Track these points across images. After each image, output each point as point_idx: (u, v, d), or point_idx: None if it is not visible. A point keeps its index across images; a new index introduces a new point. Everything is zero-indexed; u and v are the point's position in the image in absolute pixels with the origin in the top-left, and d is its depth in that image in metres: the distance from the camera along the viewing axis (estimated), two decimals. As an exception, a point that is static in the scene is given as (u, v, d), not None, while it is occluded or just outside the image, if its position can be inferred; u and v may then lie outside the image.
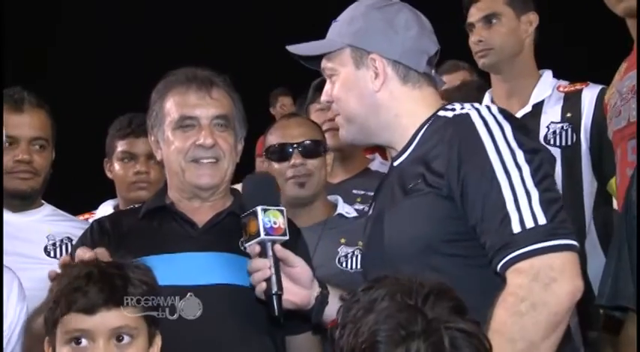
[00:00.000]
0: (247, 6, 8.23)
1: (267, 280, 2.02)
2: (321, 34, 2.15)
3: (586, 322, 2.82)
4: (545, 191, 1.84)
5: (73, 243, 2.57)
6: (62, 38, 8.15)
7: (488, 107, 1.97)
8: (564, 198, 2.01)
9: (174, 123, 2.26)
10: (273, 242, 2.04)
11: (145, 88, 2.39)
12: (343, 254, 2.88)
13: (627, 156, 2.59)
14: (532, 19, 3.21)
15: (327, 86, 2.13)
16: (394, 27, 2.04)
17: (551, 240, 1.79)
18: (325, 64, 2.11)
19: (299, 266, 2.08)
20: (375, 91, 2.04)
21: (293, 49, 2.14)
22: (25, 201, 2.78)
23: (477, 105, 2.00)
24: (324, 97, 2.15)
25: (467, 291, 1.55)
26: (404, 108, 2.05)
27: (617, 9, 2.61)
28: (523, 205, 1.82)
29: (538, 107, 3.15)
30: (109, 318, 1.76)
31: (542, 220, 1.80)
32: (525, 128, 2.00)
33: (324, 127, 3.16)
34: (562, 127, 3.08)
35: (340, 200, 3.01)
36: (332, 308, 2.05)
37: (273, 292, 2.01)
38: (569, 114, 3.09)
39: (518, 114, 3.04)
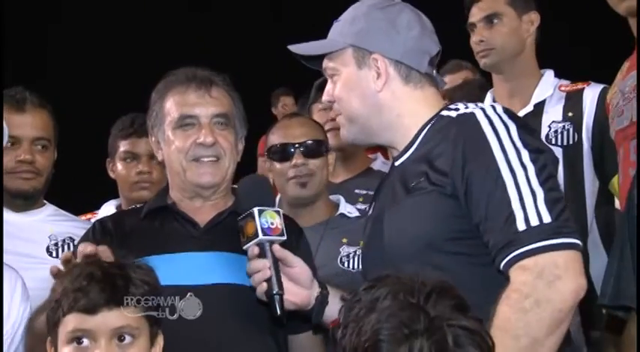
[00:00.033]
0: (248, 6, 8.23)
1: (268, 280, 2.02)
2: (322, 33, 2.15)
3: (588, 322, 2.82)
4: (549, 190, 1.85)
5: (75, 242, 2.57)
6: (62, 38, 8.15)
7: (493, 106, 1.98)
8: (566, 198, 2.02)
9: (175, 122, 2.26)
10: (272, 242, 2.04)
11: (146, 88, 2.39)
12: (345, 254, 2.88)
13: (630, 155, 2.59)
14: (533, 18, 3.21)
15: (329, 86, 2.12)
16: (396, 27, 2.04)
17: (555, 238, 1.80)
18: (327, 63, 2.11)
19: (298, 267, 2.08)
20: (377, 91, 2.04)
21: (295, 48, 2.13)
22: (27, 201, 2.78)
23: (481, 104, 2.01)
24: (325, 97, 2.15)
25: (470, 289, 1.55)
26: (406, 108, 2.05)
27: (619, 8, 2.61)
28: (528, 204, 1.82)
29: (540, 106, 3.15)
30: (110, 318, 1.76)
31: (547, 219, 1.81)
32: (530, 128, 2.01)
33: (327, 127, 3.16)
34: (564, 126, 3.09)
35: (342, 200, 3.01)
36: (332, 309, 2.05)
37: (275, 292, 2.01)
38: (570, 114, 3.09)
39: (520, 114, 3.04)
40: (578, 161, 3.05)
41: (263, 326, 2.15)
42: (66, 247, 2.76)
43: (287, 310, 2.05)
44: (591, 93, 3.09)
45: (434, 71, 2.11)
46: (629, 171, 2.56)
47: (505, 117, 1.93)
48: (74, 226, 2.82)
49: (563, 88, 3.17)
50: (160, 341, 1.87)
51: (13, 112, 2.66)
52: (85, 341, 1.77)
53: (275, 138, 2.97)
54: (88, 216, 3.17)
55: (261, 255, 2.03)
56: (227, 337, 2.13)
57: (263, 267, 2.02)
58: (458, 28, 3.33)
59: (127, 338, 1.78)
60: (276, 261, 2.04)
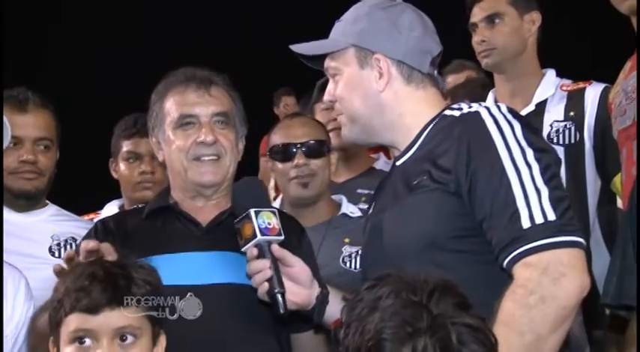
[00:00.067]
0: (250, 6, 8.23)
1: (269, 280, 2.02)
2: (323, 33, 2.15)
3: (591, 321, 2.82)
4: (554, 189, 1.86)
5: (78, 242, 2.57)
6: (62, 38, 8.15)
7: (497, 105, 1.98)
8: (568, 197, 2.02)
9: (175, 122, 2.26)
10: (270, 242, 2.04)
11: (147, 88, 2.40)
12: (347, 254, 2.88)
13: (633, 155, 2.59)
14: (535, 18, 3.21)
15: (330, 85, 2.13)
16: (398, 27, 2.04)
17: (560, 235, 1.80)
18: (329, 63, 2.11)
19: (297, 266, 2.07)
20: (379, 91, 2.05)
21: (296, 48, 2.14)
22: (29, 201, 2.78)
23: (485, 103, 2.02)
24: (326, 97, 2.15)
25: (473, 287, 1.56)
26: (408, 108, 2.05)
27: (621, 7, 2.61)
28: (533, 202, 1.83)
29: (541, 106, 3.16)
30: (112, 318, 1.76)
31: (551, 217, 1.82)
32: (533, 127, 2.02)
33: (329, 127, 3.16)
34: (565, 126, 3.09)
35: (344, 199, 3.01)
36: (332, 309, 2.06)
37: (276, 291, 2.00)
38: (572, 113, 3.10)
39: (522, 114, 3.03)
40: (580, 160, 3.05)
41: (266, 325, 2.15)
42: (68, 247, 2.75)
43: (289, 309, 2.05)
44: (593, 93, 3.09)
45: (435, 71, 2.11)
46: (632, 170, 2.56)
47: (509, 117, 1.94)
48: (76, 226, 2.82)
49: (564, 88, 3.18)
50: (163, 341, 1.87)
51: (15, 112, 2.66)
52: (87, 341, 1.76)
53: (277, 138, 2.97)
54: (91, 216, 3.17)
55: (260, 255, 2.03)
56: (229, 337, 2.13)
57: (263, 267, 2.02)
58: (459, 29, 3.33)
59: (129, 338, 1.78)
60: (276, 261, 2.04)
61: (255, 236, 2.02)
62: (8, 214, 2.70)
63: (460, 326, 1.39)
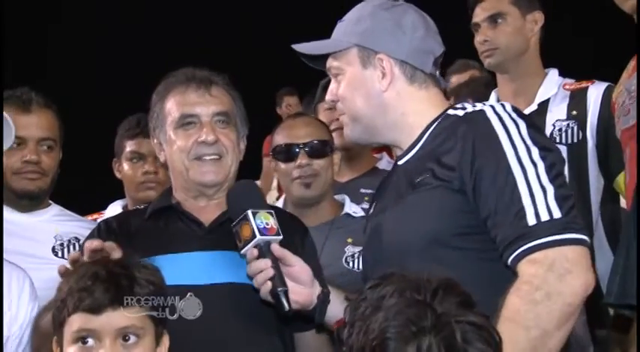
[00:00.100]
0: (252, 6, 8.23)
1: (271, 279, 2.01)
2: (325, 33, 2.15)
3: (595, 320, 2.81)
4: (559, 187, 1.86)
5: (81, 242, 2.57)
6: (62, 38, 8.15)
7: (502, 104, 1.99)
8: (570, 196, 2.02)
9: (176, 122, 2.26)
10: (269, 242, 2.03)
11: (148, 88, 2.40)
12: (350, 253, 2.88)
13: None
14: (537, 17, 3.21)
15: (332, 85, 2.13)
16: (402, 27, 2.05)
17: (565, 233, 1.81)
18: (331, 63, 2.11)
19: (297, 266, 2.07)
20: (382, 91, 2.05)
21: (299, 47, 2.14)
22: (32, 202, 2.79)
23: (490, 103, 2.02)
24: (329, 96, 2.15)
25: (476, 285, 1.56)
26: (411, 108, 2.06)
27: (624, 6, 2.60)
28: (539, 199, 1.83)
29: (544, 105, 3.16)
30: (115, 318, 1.77)
31: (557, 214, 1.82)
32: (538, 127, 2.02)
33: (332, 126, 3.17)
34: (568, 125, 3.09)
35: (347, 199, 3.01)
36: (334, 309, 2.06)
37: (280, 289, 2.00)
38: (574, 112, 3.10)
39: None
40: (583, 159, 3.05)
41: (269, 325, 2.15)
42: (71, 247, 2.76)
43: (293, 308, 2.05)
44: (595, 92, 3.10)
45: (437, 72, 2.12)
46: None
47: (514, 115, 1.94)
48: (80, 226, 2.82)
49: (567, 87, 3.18)
50: (166, 341, 1.87)
51: (19, 113, 2.66)
52: (90, 341, 1.77)
53: (280, 138, 2.97)
54: (95, 216, 3.18)
55: (261, 256, 2.03)
56: (231, 336, 2.12)
57: (265, 266, 2.02)
58: (462, 29, 3.33)
59: (132, 338, 1.78)
60: (276, 260, 2.03)
61: (254, 236, 2.01)
62: (11, 214, 2.71)
63: (465, 324, 1.39)
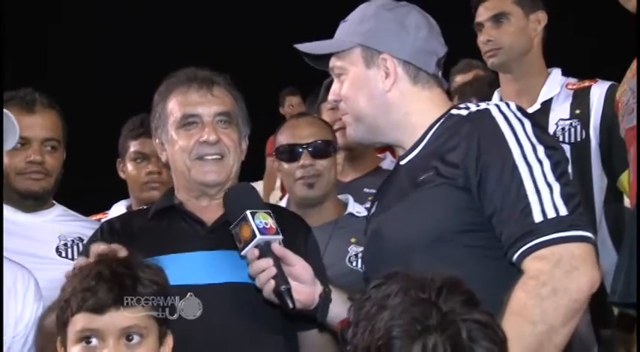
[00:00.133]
0: (255, 6, 8.24)
1: (274, 277, 2.01)
2: (328, 33, 2.15)
3: (599, 320, 2.81)
4: (565, 185, 1.87)
5: (84, 243, 2.58)
6: (62, 38, 8.16)
7: (507, 103, 1.99)
8: (575, 195, 2.02)
9: (177, 122, 2.26)
10: (270, 242, 2.03)
11: (149, 87, 2.40)
12: (353, 253, 2.87)
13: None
14: (541, 17, 3.21)
15: (335, 85, 2.13)
16: (405, 28, 2.05)
17: (572, 230, 1.81)
18: (334, 62, 2.11)
19: (298, 265, 2.07)
20: (386, 91, 2.05)
21: (303, 47, 2.14)
22: (36, 202, 2.79)
23: (495, 102, 2.03)
24: (331, 96, 2.15)
25: (481, 282, 1.57)
26: (414, 107, 2.06)
27: (628, 5, 2.60)
28: (545, 197, 1.84)
29: (547, 105, 3.16)
30: (118, 318, 1.77)
31: (563, 211, 1.83)
32: (542, 126, 2.02)
33: (336, 126, 3.16)
34: (571, 124, 3.09)
35: (351, 199, 3.01)
36: (335, 309, 2.06)
37: (283, 287, 2.00)
38: (578, 111, 3.10)
39: (527, 112, 3.05)
40: (586, 158, 3.05)
41: (272, 324, 2.15)
42: (75, 247, 2.76)
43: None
44: (598, 91, 3.10)
45: (439, 73, 2.12)
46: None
47: (519, 114, 1.95)
48: (83, 226, 2.83)
49: (570, 86, 3.18)
50: (170, 341, 1.87)
51: (23, 113, 2.66)
52: (94, 341, 1.77)
53: (283, 138, 2.97)
54: (99, 216, 3.18)
55: (262, 256, 2.02)
56: (232, 337, 2.12)
57: (267, 265, 2.02)
58: (464, 29, 3.33)
59: (135, 338, 1.78)
60: (278, 259, 2.03)
61: (254, 236, 2.01)
62: (15, 214, 2.72)
63: (470, 322, 1.39)
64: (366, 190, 3.23)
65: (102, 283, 1.78)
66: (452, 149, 1.93)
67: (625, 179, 2.84)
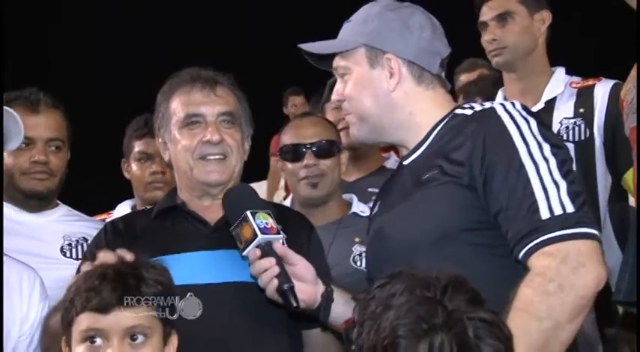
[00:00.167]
0: (258, 5, 8.24)
1: (277, 276, 2.01)
2: (332, 33, 2.15)
3: (604, 319, 2.81)
4: (571, 183, 1.87)
5: (89, 243, 2.58)
6: (62, 38, 8.16)
7: (512, 102, 1.99)
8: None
9: (181, 122, 2.26)
10: (271, 242, 2.02)
11: (148, 87, 2.40)
12: (358, 253, 2.87)
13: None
14: (545, 17, 3.21)
15: (338, 85, 2.13)
16: (409, 28, 2.06)
17: (579, 227, 1.82)
18: (338, 62, 2.11)
19: (300, 264, 2.07)
20: (390, 91, 2.05)
21: (307, 47, 2.14)
22: (41, 202, 2.79)
23: (500, 101, 2.03)
24: (334, 96, 2.15)
25: (487, 281, 1.57)
26: (418, 107, 2.06)
27: (633, 3, 2.59)
28: (552, 194, 1.84)
29: (551, 103, 3.16)
30: (122, 317, 1.77)
31: (570, 209, 1.83)
32: (547, 125, 2.02)
33: (340, 126, 3.16)
34: (575, 123, 3.09)
35: (355, 199, 3.01)
36: (337, 309, 2.06)
37: (286, 286, 2.00)
38: (581, 110, 3.10)
39: (531, 112, 3.05)
40: (590, 157, 3.05)
41: (277, 323, 2.15)
42: (80, 247, 2.76)
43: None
44: (602, 89, 3.10)
45: (443, 74, 2.12)
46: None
47: (525, 113, 1.95)
48: (87, 226, 2.83)
49: (574, 85, 3.18)
50: (174, 340, 1.87)
51: (27, 113, 2.66)
52: (98, 341, 1.77)
53: (287, 138, 2.97)
54: (104, 216, 3.18)
55: (264, 255, 2.02)
56: (239, 335, 2.12)
57: (269, 265, 2.01)
58: (467, 29, 3.32)
59: (140, 338, 1.78)
60: (280, 259, 2.03)
61: (255, 236, 2.01)
62: (20, 214, 2.72)
63: (476, 321, 1.39)
64: (370, 190, 3.23)
65: (106, 283, 1.78)
66: (457, 148, 1.93)
67: (629, 177, 2.83)
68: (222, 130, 2.26)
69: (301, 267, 2.06)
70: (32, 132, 2.66)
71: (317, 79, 3.43)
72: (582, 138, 3.07)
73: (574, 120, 3.10)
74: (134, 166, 3.16)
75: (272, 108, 7.00)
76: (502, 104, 1.97)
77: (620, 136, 2.87)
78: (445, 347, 1.35)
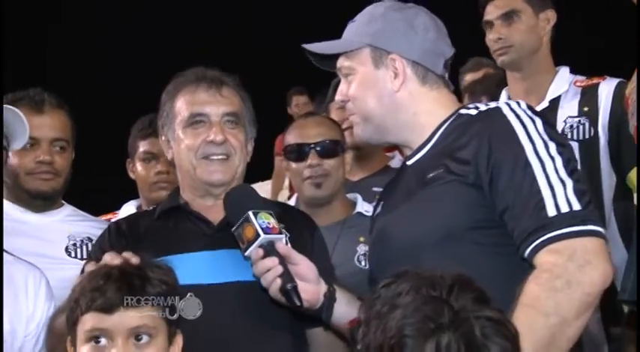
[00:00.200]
0: (262, 6, 8.24)
1: (280, 276, 2.01)
2: (335, 34, 2.16)
3: (609, 318, 2.80)
4: (577, 181, 1.88)
5: (93, 244, 2.58)
6: (62, 38, 8.17)
7: (517, 102, 2.00)
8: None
9: (185, 121, 2.27)
10: (273, 242, 2.02)
11: (150, 87, 2.40)
12: (362, 252, 2.87)
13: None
14: (550, 16, 3.21)
15: (342, 85, 2.13)
16: (414, 28, 2.06)
17: (585, 224, 1.82)
18: (342, 62, 2.11)
19: (303, 264, 2.06)
20: (395, 91, 2.06)
21: (311, 47, 2.14)
22: (46, 202, 2.79)
23: (505, 101, 2.02)
24: (338, 97, 2.15)
25: (493, 279, 1.57)
26: (423, 108, 2.06)
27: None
28: (558, 192, 1.85)
29: (555, 102, 3.16)
30: (127, 318, 1.77)
31: (577, 206, 1.84)
32: (552, 124, 2.03)
33: (344, 125, 3.15)
34: (579, 121, 3.09)
35: (359, 198, 3.01)
36: (340, 309, 2.06)
37: (289, 286, 1.99)
38: (586, 109, 3.10)
39: (535, 111, 3.05)
40: (595, 155, 3.05)
41: (281, 322, 2.15)
42: (84, 247, 2.77)
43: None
44: (607, 88, 3.10)
45: (447, 74, 2.13)
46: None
47: (530, 112, 1.96)
48: (92, 226, 2.83)
49: (578, 84, 3.19)
50: (179, 340, 1.87)
51: (32, 113, 2.66)
52: (103, 340, 1.77)
53: (291, 137, 2.97)
54: (109, 216, 3.18)
55: (266, 255, 2.02)
56: (243, 335, 2.12)
57: (272, 264, 2.01)
58: (471, 28, 3.32)
59: (144, 338, 1.78)
60: (282, 258, 2.02)
61: (257, 236, 2.00)
62: (24, 214, 2.73)
63: (483, 319, 1.39)
64: (375, 189, 3.22)
65: (110, 283, 1.78)
66: (462, 147, 1.94)
67: (634, 176, 2.83)
68: (226, 130, 2.26)
69: (304, 267, 2.06)
70: (37, 132, 2.67)
71: (320, 79, 3.42)
72: (587, 136, 3.07)
73: (578, 118, 3.10)
74: (139, 166, 3.16)
75: (276, 107, 7.00)
76: (507, 103, 1.98)
77: (624, 135, 2.86)
78: (452, 347, 1.35)
